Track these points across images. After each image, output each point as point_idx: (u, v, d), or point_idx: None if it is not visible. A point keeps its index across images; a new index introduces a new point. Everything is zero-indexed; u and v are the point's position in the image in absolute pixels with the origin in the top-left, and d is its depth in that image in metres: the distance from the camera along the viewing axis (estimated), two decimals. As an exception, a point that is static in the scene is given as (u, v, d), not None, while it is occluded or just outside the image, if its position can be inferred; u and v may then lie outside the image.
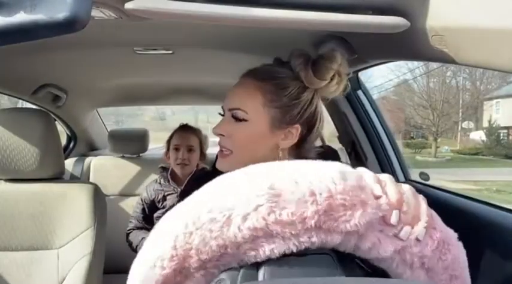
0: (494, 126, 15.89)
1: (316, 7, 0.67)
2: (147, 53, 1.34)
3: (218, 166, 0.80)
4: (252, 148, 0.78)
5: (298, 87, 0.77)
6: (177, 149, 1.69)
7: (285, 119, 0.77)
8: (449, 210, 0.85)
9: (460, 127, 17.77)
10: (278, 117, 0.77)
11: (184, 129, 1.75)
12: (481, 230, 0.96)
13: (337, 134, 1.74)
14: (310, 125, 0.80)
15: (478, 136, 16.26)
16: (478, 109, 17.59)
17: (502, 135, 15.49)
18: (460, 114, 18.06)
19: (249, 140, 0.78)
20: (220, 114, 0.84)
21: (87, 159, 2.19)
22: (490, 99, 16.97)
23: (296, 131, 0.78)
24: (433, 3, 0.65)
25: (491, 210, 1.01)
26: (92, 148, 2.50)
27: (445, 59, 0.71)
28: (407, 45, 0.77)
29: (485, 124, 15.97)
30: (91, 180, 2.11)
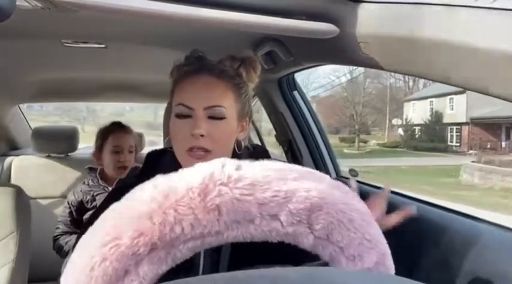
0: (409, 123, 19.30)
1: (253, 10, 0.69)
2: (77, 46, 1.26)
3: None
4: (228, 144, 0.80)
5: (245, 83, 0.82)
6: (117, 152, 1.55)
7: (243, 112, 0.82)
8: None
9: (387, 124, 21.19)
10: (241, 111, 0.81)
11: (123, 129, 1.61)
12: (406, 222, 1.06)
13: (274, 133, 1.79)
14: (249, 118, 0.85)
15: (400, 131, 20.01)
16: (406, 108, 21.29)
17: (416, 130, 19.04)
18: (388, 112, 21.51)
19: (227, 137, 0.79)
20: (179, 116, 0.77)
21: (8, 159, 2.01)
22: (409, 100, 20.49)
23: (246, 124, 0.83)
24: (361, 13, 0.70)
25: (415, 204, 1.11)
26: (13, 148, 2.30)
27: (371, 65, 0.77)
28: (338, 50, 0.82)
29: (404, 122, 19.77)
30: (13, 181, 1.94)
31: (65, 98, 2.47)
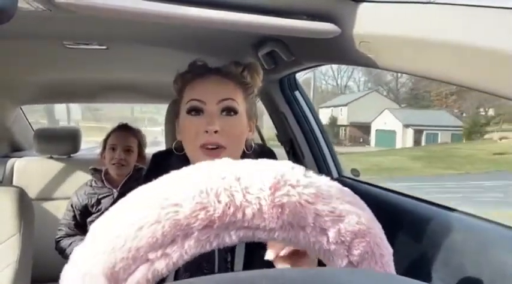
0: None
1: (254, 10, 0.69)
2: (78, 48, 1.27)
3: None
4: (241, 142, 0.79)
5: (251, 84, 0.84)
6: (113, 149, 1.61)
7: (251, 112, 0.82)
8: (378, 204, 0.92)
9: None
10: (249, 110, 0.81)
11: (122, 129, 1.68)
12: (409, 223, 1.05)
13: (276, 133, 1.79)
14: (256, 120, 0.86)
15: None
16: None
17: (340, 130, 27.59)
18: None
19: (240, 134, 0.78)
20: (192, 112, 0.76)
21: (10, 161, 2.02)
22: (321, 107, 29.42)
23: (253, 124, 0.84)
24: (362, 12, 0.70)
25: (418, 203, 1.11)
26: (15, 149, 2.31)
27: (372, 64, 0.77)
28: (339, 50, 0.82)
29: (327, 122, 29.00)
30: (15, 183, 1.94)
31: (66, 99, 2.48)
